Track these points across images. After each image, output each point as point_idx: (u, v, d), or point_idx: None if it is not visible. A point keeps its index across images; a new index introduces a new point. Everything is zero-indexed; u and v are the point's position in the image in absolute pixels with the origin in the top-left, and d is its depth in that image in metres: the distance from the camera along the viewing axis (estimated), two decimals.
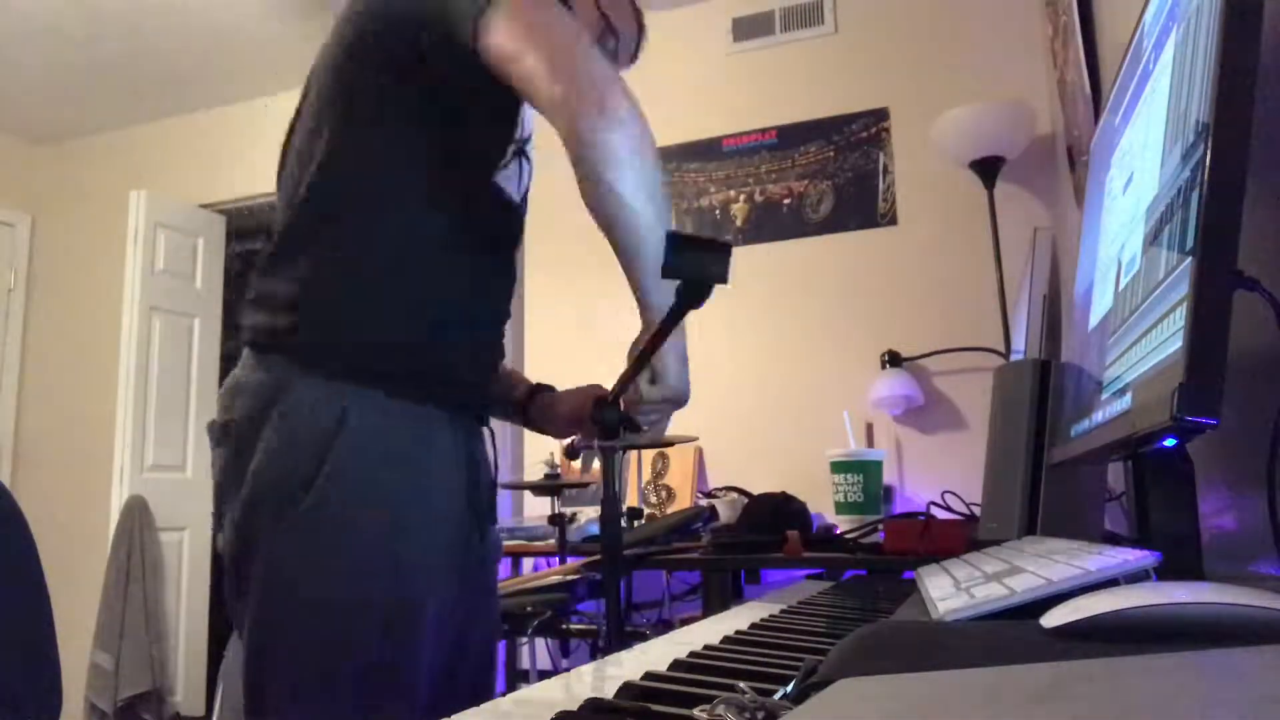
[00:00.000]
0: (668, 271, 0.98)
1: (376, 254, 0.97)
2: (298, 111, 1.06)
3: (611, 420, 1.11)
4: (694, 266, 0.97)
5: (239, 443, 0.95)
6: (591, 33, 1.13)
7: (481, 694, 1.12)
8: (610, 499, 1.12)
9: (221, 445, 0.98)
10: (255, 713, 0.93)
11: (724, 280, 1.00)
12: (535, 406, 1.27)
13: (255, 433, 0.94)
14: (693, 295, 0.99)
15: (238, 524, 0.94)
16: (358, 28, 0.99)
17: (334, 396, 0.94)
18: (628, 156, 0.92)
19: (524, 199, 1.12)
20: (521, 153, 1.05)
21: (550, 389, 1.29)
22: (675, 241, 0.98)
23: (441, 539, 1.00)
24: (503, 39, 0.90)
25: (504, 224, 1.09)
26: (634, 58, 1.23)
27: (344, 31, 1.00)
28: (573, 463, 2.56)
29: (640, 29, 1.23)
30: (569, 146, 0.91)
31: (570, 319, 3.25)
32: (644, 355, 1.05)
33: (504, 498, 3.20)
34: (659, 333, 1.02)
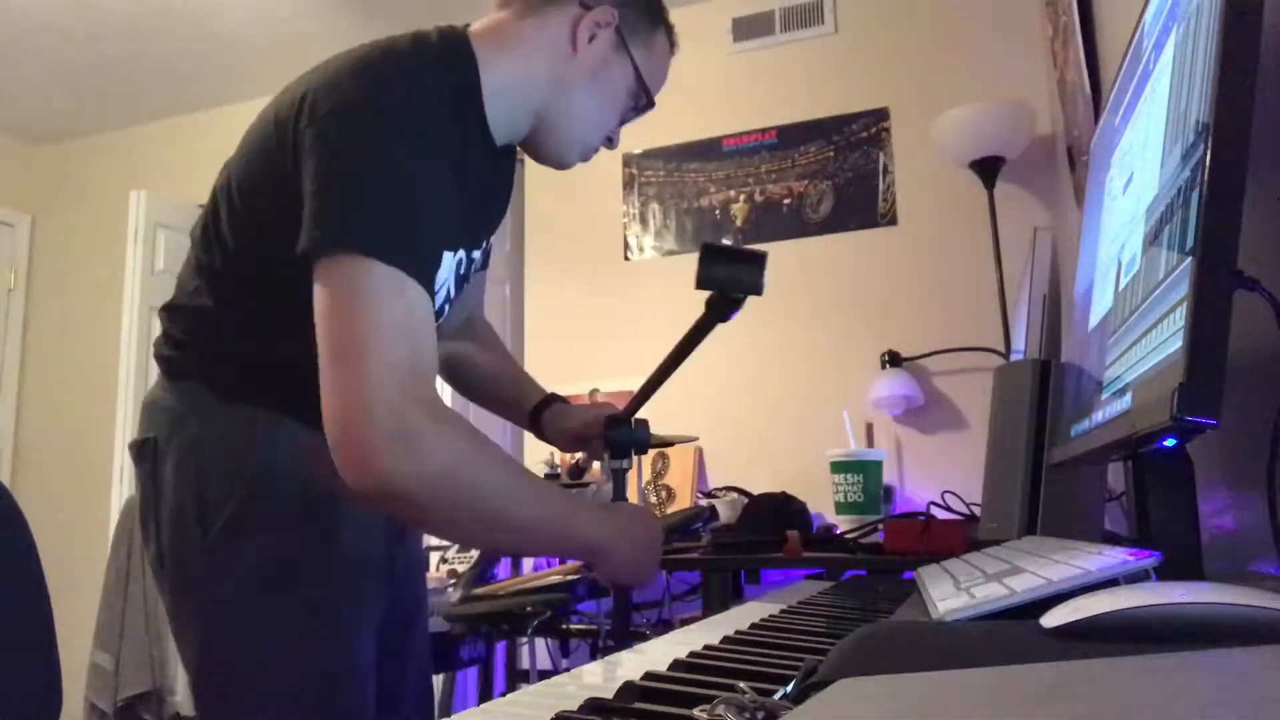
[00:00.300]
0: (701, 284, 0.98)
1: (279, 312, 0.93)
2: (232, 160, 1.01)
3: (621, 440, 1.11)
4: (728, 279, 0.97)
5: (156, 462, 0.96)
6: (620, 100, 1.10)
7: (426, 707, 1.15)
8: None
9: (140, 463, 0.99)
10: None
11: (758, 292, 1.00)
12: (546, 418, 1.26)
13: (169, 453, 0.95)
14: (724, 307, 0.99)
15: (162, 545, 0.95)
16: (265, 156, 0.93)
17: (244, 421, 0.95)
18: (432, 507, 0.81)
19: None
20: None
21: (563, 401, 1.28)
22: (709, 254, 0.98)
23: (360, 556, 0.99)
24: (317, 295, 0.82)
25: None
26: None
27: (267, 140, 0.93)
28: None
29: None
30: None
31: (569, 319, 3.25)
32: (658, 376, 1.05)
33: None
34: (682, 347, 1.02)
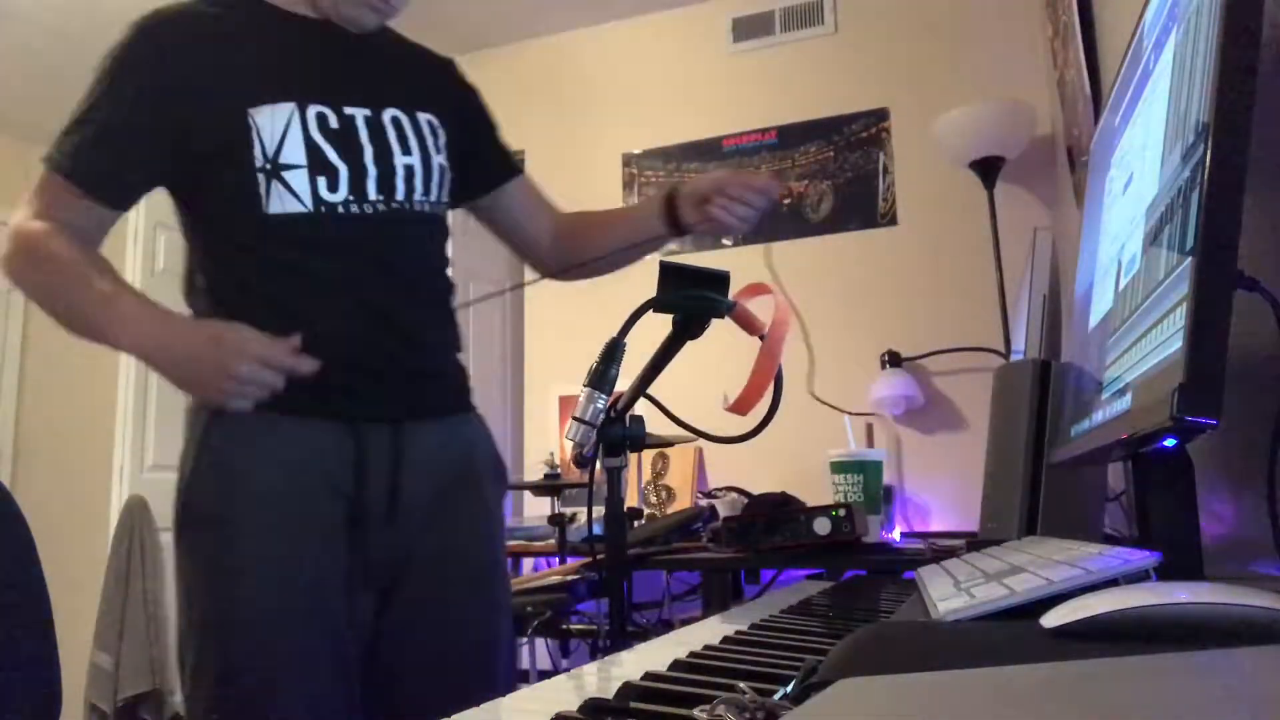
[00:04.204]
0: (660, 308, 0.96)
1: (219, 303, 1.10)
2: None
3: (615, 437, 1.11)
4: (688, 303, 0.95)
5: None
6: None
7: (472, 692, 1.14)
8: (615, 516, 1.11)
9: None
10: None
11: (720, 315, 0.98)
12: (680, 202, 1.25)
13: None
14: (689, 329, 0.97)
15: None
16: None
17: (202, 413, 1.07)
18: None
19: (341, 200, 1.09)
20: (276, 175, 1.06)
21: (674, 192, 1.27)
22: (667, 274, 0.95)
23: (295, 541, 1.04)
24: None
25: (300, 238, 1.08)
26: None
27: None
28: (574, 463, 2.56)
29: None
30: None
31: (569, 319, 3.25)
32: (639, 386, 1.05)
33: (504, 498, 3.20)
34: (655, 364, 1.01)
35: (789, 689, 0.46)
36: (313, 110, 1.08)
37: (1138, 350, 0.65)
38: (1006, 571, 0.69)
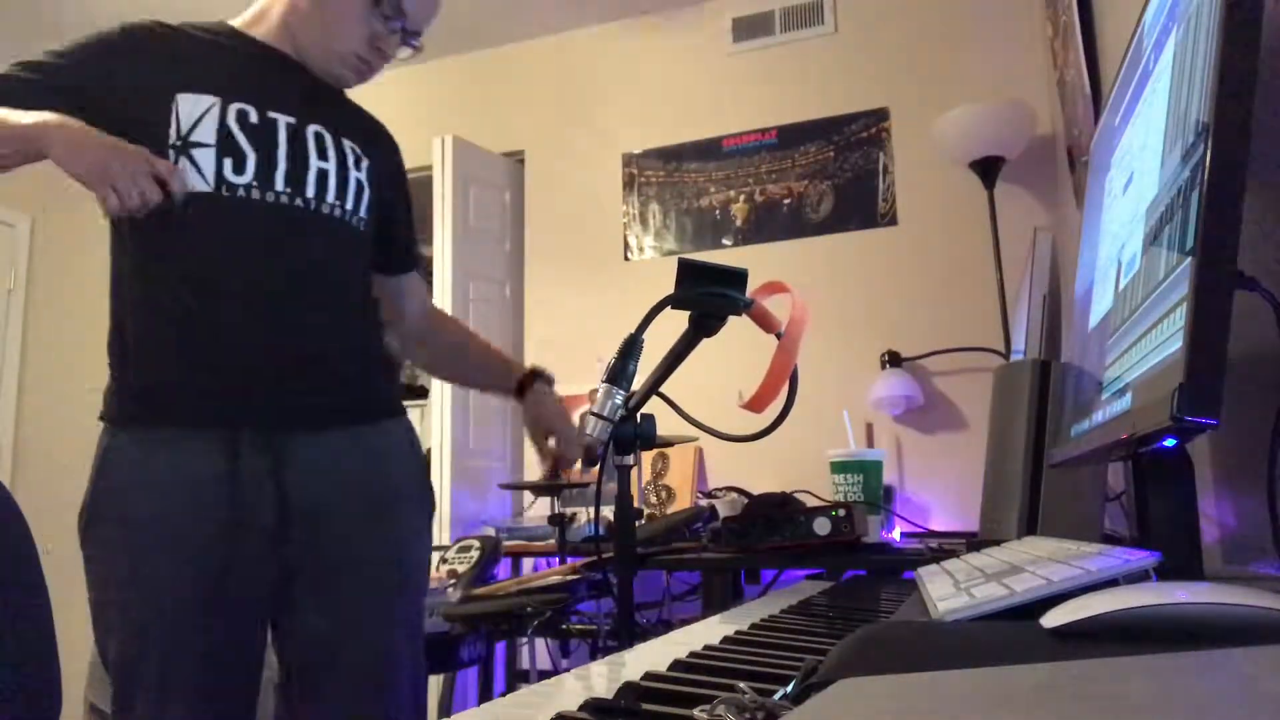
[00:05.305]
0: (679, 304, 0.96)
1: (121, 324, 1.22)
2: None
3: (626, 435, 1.11)
4: (706, 300, 0.95)
5: None
6: (356, 7, 1.18)
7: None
8: (625, 516, 1.11)
9: None
10: None
11: (737, 312, 0.98)
12: (529, 397, 1.33)
13: None
14: (706, 324, 0.97)
15: None
16: None
17: (103, 436, 1.20)
18: None
19: (237, 183, 1.12)
20: (185, 152, 1.10)
21: (546, 380, 1.35)
22: (686, 271, 0.96)
23: (175, 554, 1.09)
24: None
25: (201, 218, 1.11)
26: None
27: None
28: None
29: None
30: None
31: (569, 319, 3.25)
32: (650, 387, 1.06)
33: (504, 498, 3.20)
34: (669, 362, 1.02)
35: (789, 689, 0.46)
36: (235, 106, 1.13)
37: (1138, 350, 0.65)
38: (1006, 571, 0.69)
